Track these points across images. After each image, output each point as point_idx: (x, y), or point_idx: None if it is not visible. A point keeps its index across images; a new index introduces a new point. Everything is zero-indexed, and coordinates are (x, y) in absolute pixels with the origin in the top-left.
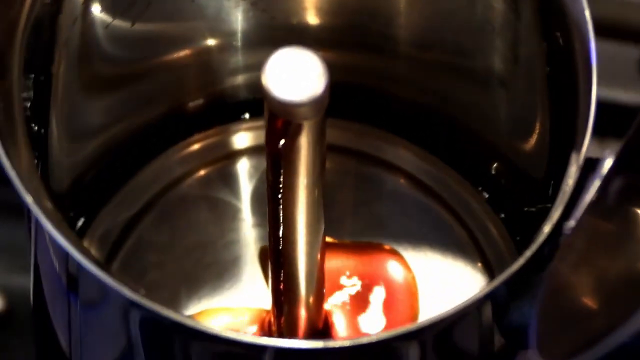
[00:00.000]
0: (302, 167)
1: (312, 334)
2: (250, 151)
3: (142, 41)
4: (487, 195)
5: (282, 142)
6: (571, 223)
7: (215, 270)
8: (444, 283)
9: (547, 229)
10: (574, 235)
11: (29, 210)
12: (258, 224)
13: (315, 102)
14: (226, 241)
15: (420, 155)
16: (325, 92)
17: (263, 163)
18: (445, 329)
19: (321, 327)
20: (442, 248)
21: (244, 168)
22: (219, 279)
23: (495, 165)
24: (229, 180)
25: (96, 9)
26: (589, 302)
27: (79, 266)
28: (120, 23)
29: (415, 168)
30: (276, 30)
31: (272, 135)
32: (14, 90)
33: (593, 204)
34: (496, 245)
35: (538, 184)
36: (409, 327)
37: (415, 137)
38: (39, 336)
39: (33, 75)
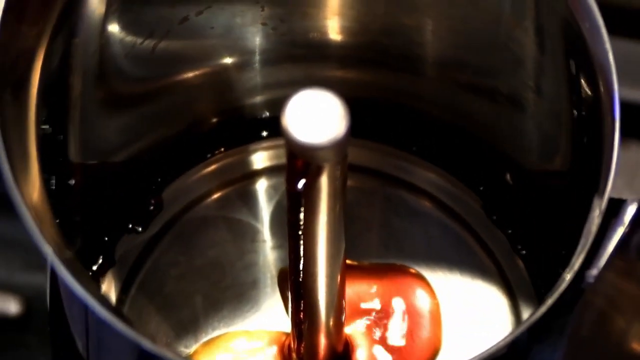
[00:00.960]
0: (322, 206)
1: (331, 358)
2: (269, 171)
3: (159, 61)
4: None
5: (302, 182)
6: (594, 272)
7: (235, 292)
8: (465, 305)
9: (568, 276)
10: (626, 282)
11: None
12: (278, 246)
13: (336, 145)
14: (245, 263)
15: (444, 177)
16: (346, 135)
17: (282, 183)
18: None
19: (341, 351)
20: (463, 270)
21: (262, 188)
22: (238, 302)
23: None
24: (248, 201)
25: (116, 37)
26: None
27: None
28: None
29: (437, 189)
30: (296, 49)
31: (292, 175)
32: (30, 118)
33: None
34: (517, 269)
35: (559, 224)
36: None
37: (437, 158)
38: (56, 339)
39: (50, 102)
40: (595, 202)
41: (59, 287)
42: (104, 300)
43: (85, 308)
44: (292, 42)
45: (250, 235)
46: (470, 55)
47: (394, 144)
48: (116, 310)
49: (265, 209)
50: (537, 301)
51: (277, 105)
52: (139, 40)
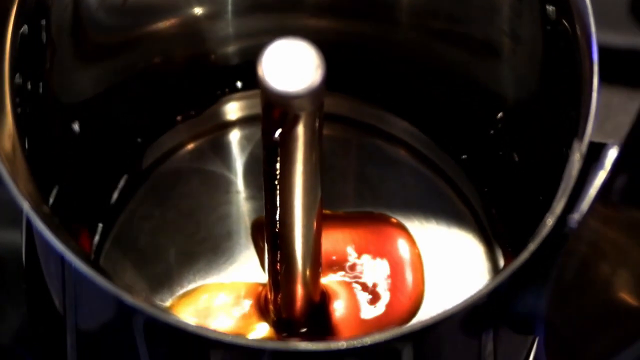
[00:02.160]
0: (299, 156)
1: (309, 308)
2: (242, 122)
3: (131, 12)
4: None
5: (279, 132)
6: (576, 216)
7: (209, 244)
8: (442, 253)
9: (550, 221)
10: (609, 228)
11: None
12: (251, 197)
13: (313, 94)
14: (219, 214)
15: (418, 127)
16: (322, 83)
17: (255, 134)
18: (447, 327)
19: (318, 301)
20: (439, 218)
21: (235, 139)
22: (213, 254)
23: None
24: (221, 152)
25: None
26: (629, 298)
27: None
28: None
29: (412, 138)
30: None
31: (268, 126)
32: (5, 71)
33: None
34: (492, 216)
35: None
36: (413, 326)
37: (410, 110)
38: (31, 296)
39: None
40: (575, 145)
41: (35, 244)
42: (82, 254)
43: (63, 263)
44: None
45: (224, 186)
46: (444, 2)
47: (367, 95)
48: (95, 264)
49: (238, 160)
50: (512, 248)
51: (250, 56)
52: None
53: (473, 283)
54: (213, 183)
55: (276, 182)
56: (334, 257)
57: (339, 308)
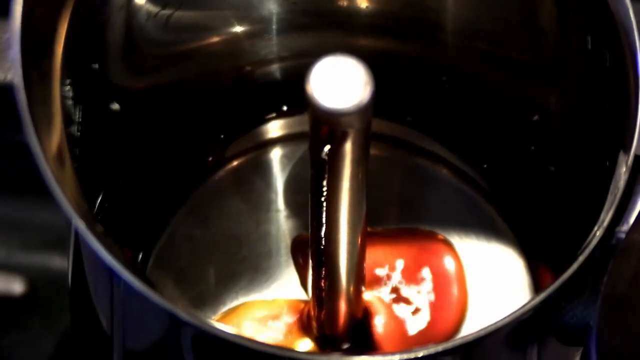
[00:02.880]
0: (346, 173)
1: (351, 324)
2: (283, 140)
3: (174, 31)
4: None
5: (327, 149)
6: (624, 227)
7: (251, 263)
8: (483, 268)
9: (598, 232)
10: None
11: None
12: (292, 215)
13: (361, 111)
14: (260, 233)
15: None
16: (370, 100)
17: (295, 152)
18: (494, 340)
19: (361, 317)
20: (479, 232)
21: (276, 157)
22: (255, 272)
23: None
24: (262, 171)
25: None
26: None
27: (125, 283)
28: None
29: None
30: (308, 17)
31: (316, 143)
32: (56, 81)
33: None
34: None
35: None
36: (463, 338)
37: (450, 131)
38: (77, 316)
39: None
40: (621, 158)
41: (83, 262)
42: (134, 269)
43: (112, 281)
44: (304, 10)
45: (264, 205)
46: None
47: (403, 117)
48: (148, 281)
49: (279, 178)
50: (551, 262)
51: (293, 75)
52: (154, 11)
53: (513, 297)
54: (254, 202)
55: (323, 199)
56: (377, 273)
57: (381, 324)
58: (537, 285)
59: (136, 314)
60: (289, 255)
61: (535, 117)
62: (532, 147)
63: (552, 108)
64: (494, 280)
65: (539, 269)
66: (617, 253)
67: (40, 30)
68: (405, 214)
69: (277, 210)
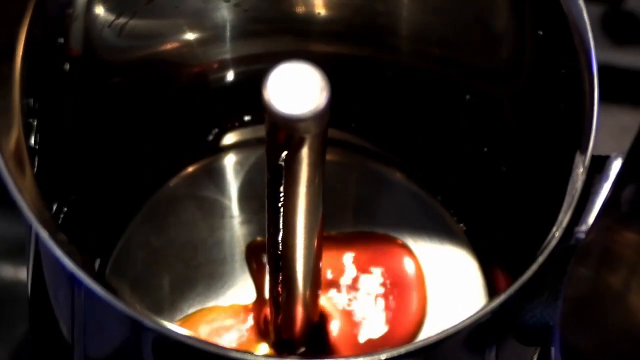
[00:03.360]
0: (303, 177)
1: (308, 328)
2: (236, 147)
3: (129, 39)
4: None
5: (284, 154)
6: (582, 227)
7: (206, 269)
8: (437, 269)
9: (557, 233)
10: (620, 245)
11: None
12: (246, 221)
13: (318, 116)
14: (215, 240)
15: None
16: (327, 106)
17: (249, 158)
18: (453, 343)
19: (316, 321)
20: (431, 234)
21: (230, 164)
22: (212, 278)
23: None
24: (216, 178)
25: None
26: None
27: (87, 289)
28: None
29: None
30: (260, 24)
31: (273, 148)
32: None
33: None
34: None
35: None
36: (424, 341)
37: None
38: (37, 325)
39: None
40: (578, 159)
41: (43, 271)
42: (95, 275)
43: (73, 287)
44: (255, 18)
45: (219, 211)
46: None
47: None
48: (109, 287)
49: (232, 184)
50: (505, 263)
51: (246, 81)
52: (109, 20)
53: (468, 300)
54: (208, 208)
55: (280, 205)
56: (333, 277)
57: (337, 327)
58: (491, 286)
59: (97, 321)
60: (244, 261)
61: (489, 119)
62: (485, 149)
63: (506, 109)
64: (448, 283)
65: (493, 271)
66: (577, 253)
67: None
68: (359, 218)
69: (231, 217)
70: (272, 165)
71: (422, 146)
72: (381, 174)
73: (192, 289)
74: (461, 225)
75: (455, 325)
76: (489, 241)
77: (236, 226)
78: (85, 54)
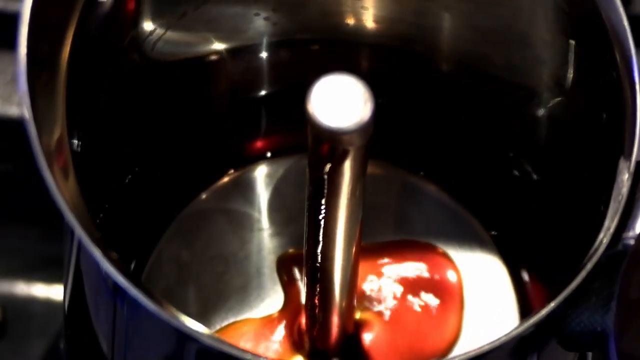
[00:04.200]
0: (345, 190)
1: (343, 338)
2: (265, 159)
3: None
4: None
5: (327, 167)
6: (630, 234)
7: (238, 283)
8: (473, 284)
9: (605, 240)
10: None
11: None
12: (275, 233)
13: (362, 129)
14: (246, 253)
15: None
16: (371, 118)
17: (277, 170)
18: (500, 353)
19: (352, 332)
20: (462, 243)
21: (260, 176)
22: (244, 291)
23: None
24: (245, 190)
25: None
26: None
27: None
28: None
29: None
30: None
31: (316, 161)
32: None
33: None
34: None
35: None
36: (466, 354)
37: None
38: (74, 339)
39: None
40: (622, 165)
41: (82, 284)
42: (143, 287)
43: (115, 300)
44: (285, 31)
45: (248, 224)
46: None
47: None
48: (158, 300)
49: (262, 197)
50: (537, 269)
51: (276, 94)
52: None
53: (501, 307)
54: (238, 221)
55: (321, 217)
56: (371, 286)
57: (371, 338)
58: (521, 293)
59: (140, 333)
60: (275, 273)
61: (525, 133)
62: (518, 161)
63: (542, 122)
64: (480, 291)
65: (523, 279)
66: (628, 259)
67: (44, 55)
68: (396, 228)
69: (261, 229)
70: (315, 177)
71: (458, 162)
72: (412, 184)
73: (224, 303)
74: (492, 232)
75: (504, 336)
76: (519, 249)
77: (266, 239)
78: (116, 71)
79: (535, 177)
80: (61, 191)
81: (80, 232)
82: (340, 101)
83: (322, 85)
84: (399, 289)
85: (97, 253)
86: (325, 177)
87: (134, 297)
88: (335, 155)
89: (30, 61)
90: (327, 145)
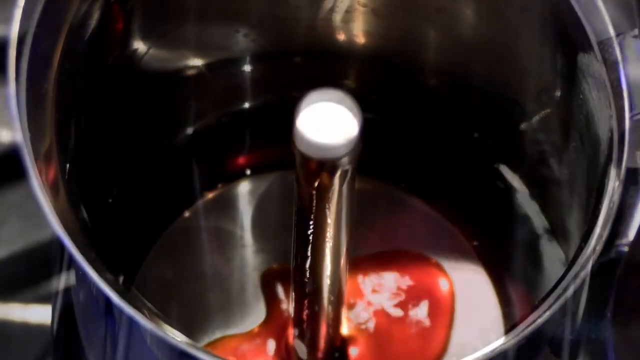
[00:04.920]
0: (334, 205)
1: (332, 351)
2: (247, 176)
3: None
4: None
5: (316, 183)
6: (624, 241)
7: (222, 300)
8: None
9: (598, 247)
10: None
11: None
12: (259, 250)
13: (351, 144)
14: (230, 270)
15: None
16: (359, 133)
17: (259, 187)
18: None
19: (339, 345)
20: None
21: (242, 193)
22: (229, 308)
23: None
24: (228, 207)
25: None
26: None
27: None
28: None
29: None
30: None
31: (305, 177)
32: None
33: None
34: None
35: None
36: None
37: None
38: None
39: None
40: (613, 172)
41: (72, 307)
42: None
43: (107, 319)
44: (264, 47)
45: (232, 241)
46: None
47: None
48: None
49: (245, 214)
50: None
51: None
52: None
53: (487, 316)
54: (221, 239)
55: (309, 233)
56: (361, 299)
57: (357, 352)
58: (505, 302)
59: (135, 352)
60: (260, 289)
61: (508, 145)
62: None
63: (528, 130)
64: (466, 304)
65: (508, 286)
66: (623, 267)
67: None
68: (377, 242)
69: (244, 246)
70: (304, 193)
71: (442, 174)
72: (396, 197)
73: (209, 319)
74: (475, 243)
75: (499, 346)
76: (503, 260)
77: (250, 255)
78: (99, 89)
79: (519, 188)
80: (53, 210)
81: (75, 253)
82: (328, 117)
83: (310, 101)
84: (387, 302)
85: (92, 273)
86: (314, 192)
87: (130, 316)
88: (324, 171)
89: (20, 83)
90: (316, 161)
